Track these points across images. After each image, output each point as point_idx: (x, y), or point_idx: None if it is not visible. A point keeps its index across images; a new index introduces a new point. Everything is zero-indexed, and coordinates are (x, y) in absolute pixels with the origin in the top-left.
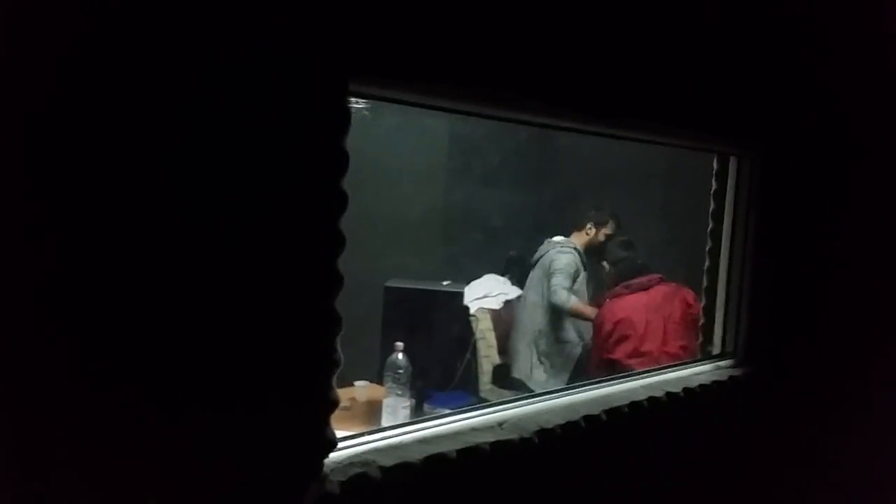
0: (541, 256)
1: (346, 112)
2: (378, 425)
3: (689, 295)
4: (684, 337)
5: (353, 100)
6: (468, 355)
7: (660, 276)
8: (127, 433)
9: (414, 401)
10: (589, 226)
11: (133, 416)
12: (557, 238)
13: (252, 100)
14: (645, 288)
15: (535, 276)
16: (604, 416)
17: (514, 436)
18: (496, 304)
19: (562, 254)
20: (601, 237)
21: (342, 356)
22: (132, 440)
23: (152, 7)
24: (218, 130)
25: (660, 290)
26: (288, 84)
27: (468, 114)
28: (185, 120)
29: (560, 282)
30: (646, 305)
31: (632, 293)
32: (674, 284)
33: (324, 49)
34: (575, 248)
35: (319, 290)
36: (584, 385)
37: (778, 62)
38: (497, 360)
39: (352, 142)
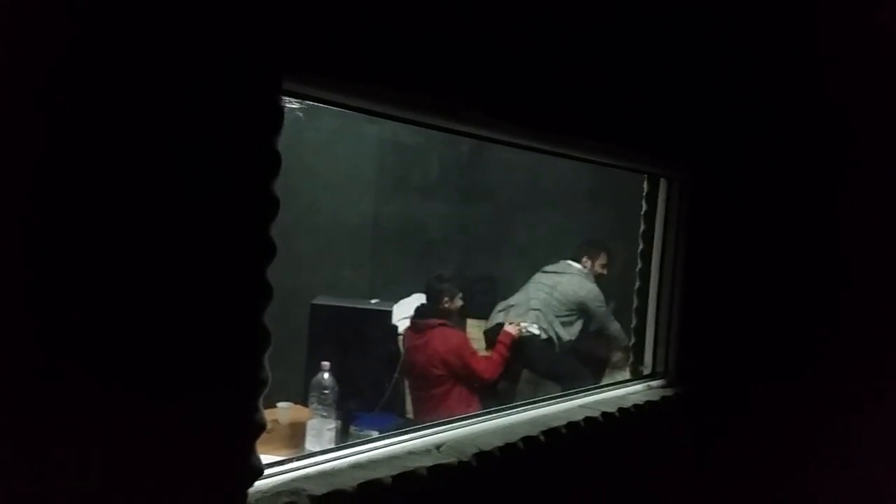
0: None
1: (279, 111)
2: (302, 448)
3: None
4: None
5: (286, 100)
6: (396, 375)
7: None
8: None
9: (340, 422)
10: (584, 258)
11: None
12: (575, 264)
13: (178, 94)
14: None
15: (552, 295)
16: (542, 438)
17: (452, 459)
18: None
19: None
20: (598, 269)
21: (270, 375)
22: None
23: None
24: (141, 127)
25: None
26: (218, 78)
27: (408, 121)
28: (107, 116)
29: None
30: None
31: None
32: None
33: (257, 43)
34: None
35: (247, 302)
36: (522, 405)
37: (710, 85)
38: None
39: (283, 144)
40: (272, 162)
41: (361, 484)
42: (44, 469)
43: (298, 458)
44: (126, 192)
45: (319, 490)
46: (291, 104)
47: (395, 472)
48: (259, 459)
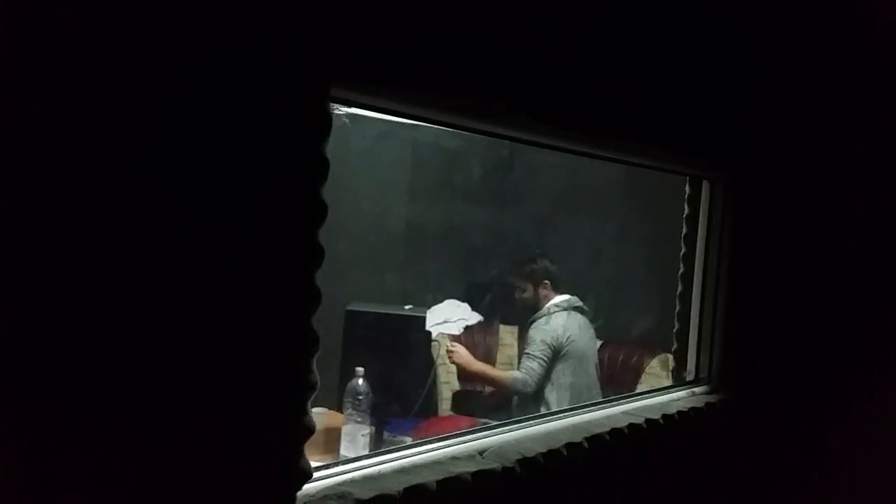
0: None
1: (328, 116)
2: (336, 453)
3: None
4: None
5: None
6: (430, 381)
7: None
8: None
9: (374, 428)
10: None
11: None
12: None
13: (227, 100)
14: None
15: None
16: (585, 444)
17: (495, 465)
18: (456, 329)
19: None
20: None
21: (318, 378)
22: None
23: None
24: (191, 133)
25: None
26: (267, 85)
27: (451, 126)
28: (158, 122)
29: None
30: None
31: None
32: None
33: (305, 49)
34: None
35: (296, 306)
36: (563, 411)
37: (753, 86)
38: (457, 386)
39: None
40: (321, 168)
41: (407, 488)
42: (93, 474)
43: (345, 462)
44: (177, 197)
45: (366, 494)
46: (339, 110)
47: (439, 477)
48: (308, 462)
